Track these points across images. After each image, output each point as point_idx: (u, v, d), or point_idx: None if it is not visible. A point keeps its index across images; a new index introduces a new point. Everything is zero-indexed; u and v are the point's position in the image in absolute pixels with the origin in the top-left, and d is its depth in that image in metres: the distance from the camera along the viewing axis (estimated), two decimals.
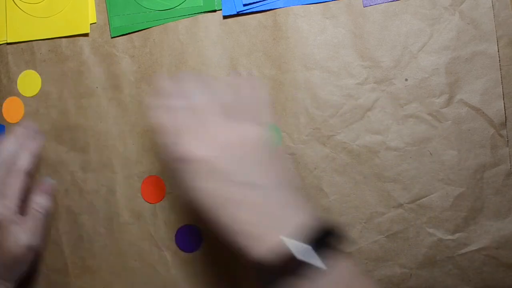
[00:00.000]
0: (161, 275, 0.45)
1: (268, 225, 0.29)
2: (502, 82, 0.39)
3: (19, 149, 0.43)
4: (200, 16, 0.44)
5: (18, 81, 0.48)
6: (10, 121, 0.48)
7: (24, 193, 0.43)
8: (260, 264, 0.28)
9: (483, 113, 0.39)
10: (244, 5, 0.43)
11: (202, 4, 0.44)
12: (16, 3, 0.48)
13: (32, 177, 0.44)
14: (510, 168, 0.39)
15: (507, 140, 0.39)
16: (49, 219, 0.45)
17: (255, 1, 0.42)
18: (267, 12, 0.42)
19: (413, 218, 0.40)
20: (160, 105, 0.35)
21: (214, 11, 0.44)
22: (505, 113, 0.39)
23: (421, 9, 0.40)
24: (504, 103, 0.39)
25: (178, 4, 0.44)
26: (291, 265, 0.27)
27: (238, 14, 0.43)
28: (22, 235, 0.41)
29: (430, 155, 0.40)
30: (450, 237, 0.39)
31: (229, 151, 0.31)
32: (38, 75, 0.48)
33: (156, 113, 0.34)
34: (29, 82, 0.48)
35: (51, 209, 0.45)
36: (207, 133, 0.32)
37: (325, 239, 0.29)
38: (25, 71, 0.48)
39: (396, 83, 0.40)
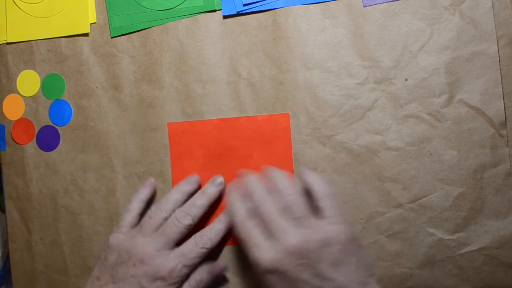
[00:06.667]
0: None
1: None
2: (502, 82, 0.39)
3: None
4: (200, 16, 0.44)
5: (18, 81, 0.48)
6: (11, 118, 0.48)
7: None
8: None
9: (483, 113, 0.39)
10: (244, 5, 0.42)
11: (202, 4, 0.44)
12: (16, 3, 0.48)
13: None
14: (510, 168, 0.39)
15: (507, 140, 0.39)
16: None
17: (255, 1, 0.42)
18: (267, 12, 0.42)
19: (413, 218, 0.40)
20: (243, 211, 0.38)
21: (214, 11, 0.44)
22: (505, 113, 0.39)
23: (421, 9, 0.40)
24: (504, 103, 0.39)
25: (178, 4, 0.44)
26: None
27: (238, 14, 0.43)
28: None
29: (430, 155, 0.40)
30: (450, 237, 0.39)
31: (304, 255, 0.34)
32: (37, 75, 0.48)
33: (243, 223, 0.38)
34: (28, 82, 0.48)
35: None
36: (278, 239, 0.35)
37: None
38: (24, 71, 0.48)
39: (396, 83, 0.40)
